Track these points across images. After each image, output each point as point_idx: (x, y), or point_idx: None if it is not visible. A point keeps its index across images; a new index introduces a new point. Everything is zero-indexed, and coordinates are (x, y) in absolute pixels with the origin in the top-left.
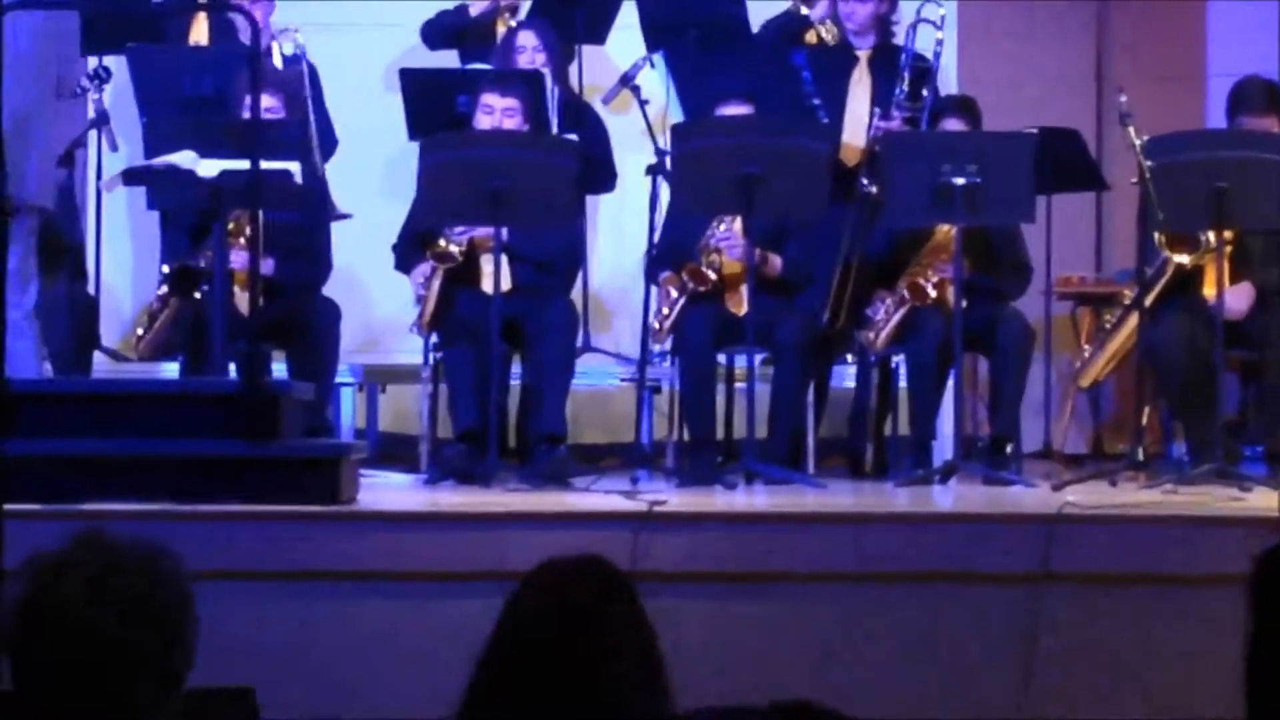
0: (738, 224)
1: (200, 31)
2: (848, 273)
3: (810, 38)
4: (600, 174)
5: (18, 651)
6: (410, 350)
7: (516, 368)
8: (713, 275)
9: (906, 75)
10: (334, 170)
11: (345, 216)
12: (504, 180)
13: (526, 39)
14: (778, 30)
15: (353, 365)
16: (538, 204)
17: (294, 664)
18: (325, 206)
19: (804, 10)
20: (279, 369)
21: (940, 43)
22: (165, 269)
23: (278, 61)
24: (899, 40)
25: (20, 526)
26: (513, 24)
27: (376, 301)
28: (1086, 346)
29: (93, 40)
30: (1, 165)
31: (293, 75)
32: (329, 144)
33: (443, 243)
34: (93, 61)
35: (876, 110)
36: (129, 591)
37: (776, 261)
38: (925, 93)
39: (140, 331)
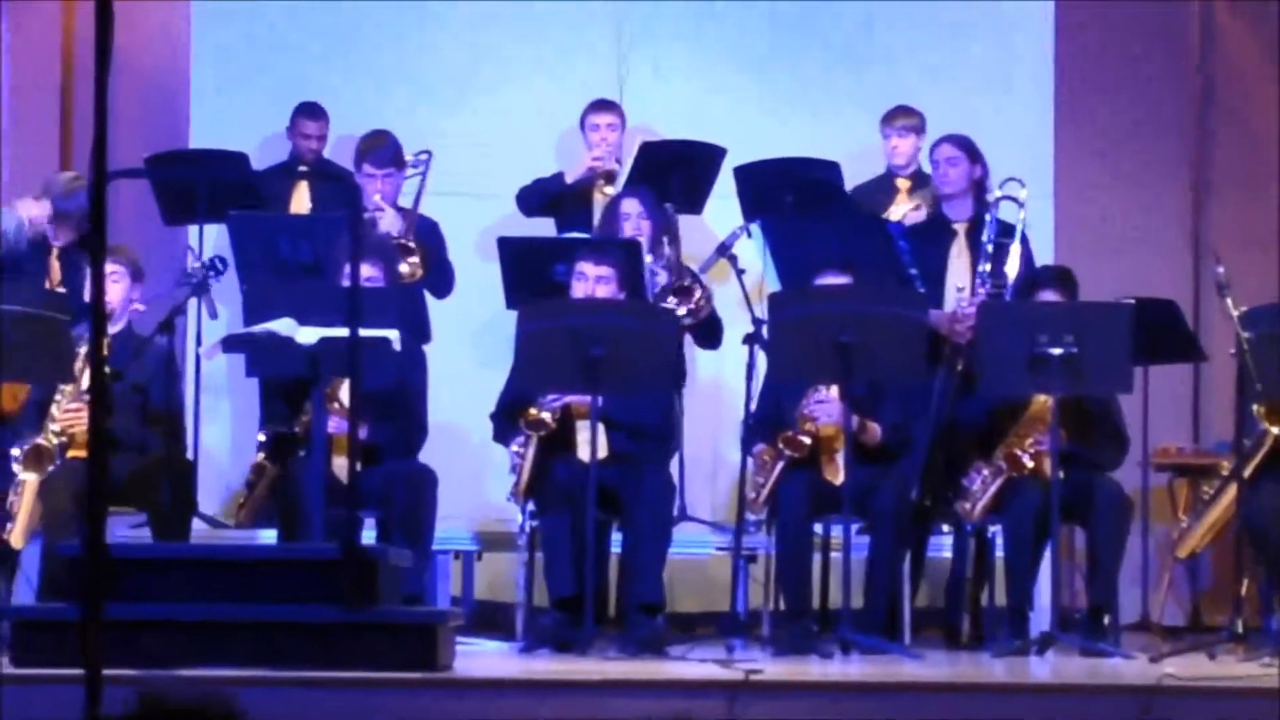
0: (834, 389)
1: (301, 197)
2: (936, 444)
3: (900, 199)
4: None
5: None
6: (506, 518)
7: (612, 534)
8: (808, 442)
9: (990, 249)
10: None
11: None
12: (602, 348)
13: (631, 206)
14: (869, 194)
15: (449, 532)
16: (636, 372)
17: None
18: (422, 368)
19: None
20: (368, 535)
21: (1024, 221)
22: (262, 436)
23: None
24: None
25: (120, 691)
26: (608, 191)
27: (472, 468)
28: (1184, 517)
29: (195, 208)
30: (103, 321)
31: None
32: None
33: (534, 411)
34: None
35: (960, 290)
36: None
37: (876, 430)
38: (1005, 268)
39: (240, 500)
